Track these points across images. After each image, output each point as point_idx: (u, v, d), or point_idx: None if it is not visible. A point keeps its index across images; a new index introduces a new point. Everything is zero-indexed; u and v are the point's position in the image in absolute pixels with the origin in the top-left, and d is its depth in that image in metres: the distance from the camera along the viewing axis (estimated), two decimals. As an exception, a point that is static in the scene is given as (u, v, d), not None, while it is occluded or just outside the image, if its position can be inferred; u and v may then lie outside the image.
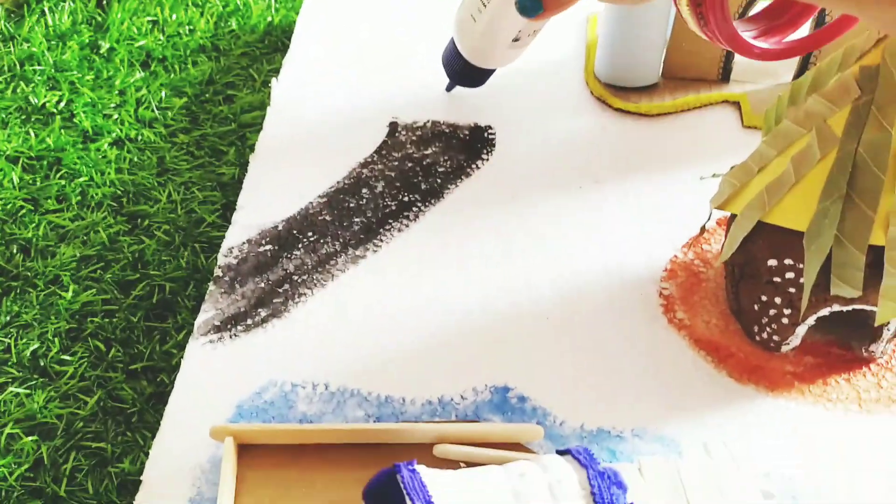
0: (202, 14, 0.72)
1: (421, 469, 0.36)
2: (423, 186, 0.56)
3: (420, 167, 0.58)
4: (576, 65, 0.65)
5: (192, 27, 0.71)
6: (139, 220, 0.57)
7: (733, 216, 0.45)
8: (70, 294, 0.53)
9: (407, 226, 0.54)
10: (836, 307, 0.43)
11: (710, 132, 0.60)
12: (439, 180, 0.57)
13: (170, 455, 0.43)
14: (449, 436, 0.42)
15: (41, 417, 0.47)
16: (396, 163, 0.58)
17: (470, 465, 0.41)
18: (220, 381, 0.46)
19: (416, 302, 0.50)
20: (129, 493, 0.43)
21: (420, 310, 0.49)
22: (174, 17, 0.72)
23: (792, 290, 0.43)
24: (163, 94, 0.65)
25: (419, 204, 0.55)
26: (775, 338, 0.46)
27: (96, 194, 0.58)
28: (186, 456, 0.42)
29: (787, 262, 0.42)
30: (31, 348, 0.50)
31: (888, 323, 0.44)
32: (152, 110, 0.64)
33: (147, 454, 0.43)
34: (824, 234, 0.40)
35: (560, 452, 0.37)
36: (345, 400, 0.45)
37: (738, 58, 0.62)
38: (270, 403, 0.45)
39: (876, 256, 0.40)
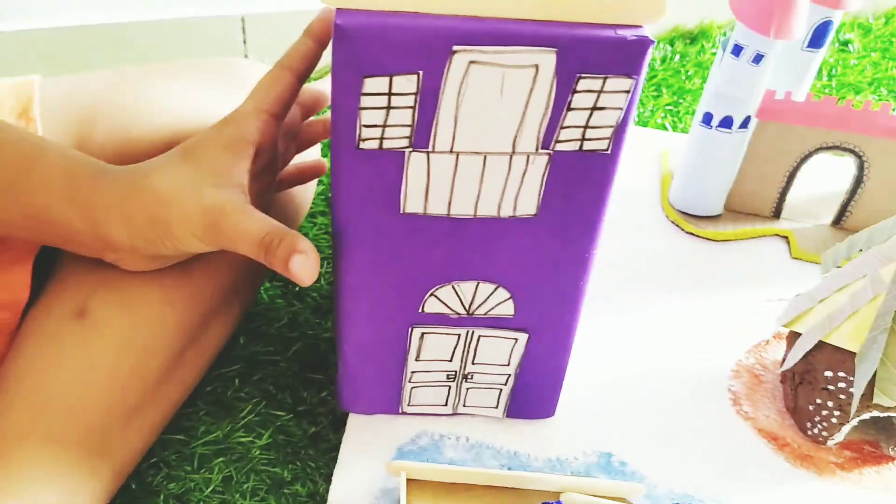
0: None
1: (568, 507, 0.47)
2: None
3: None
4: (652, 194, 0.79)
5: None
6: (291, 286, 0.69)
7: (794, 333, 0.58)
8: (241, 343, 0.64)
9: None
10: (876, 413, 0.55)
11: (764, 259, 0.73)
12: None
13: (347, 484, 0.53)
14: (569, 487, 0.53)
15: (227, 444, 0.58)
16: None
17: (586, 511, 0.52)
18: (385, 427, 0.57)
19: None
20: (307, 511, 0.54)
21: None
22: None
23: (842, 396, 0.55)
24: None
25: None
26: (824, 433, 0.58)
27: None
28: (362, 484, 0.53)
29: (841, 374, 0.55)
30: (208, 388, 0.61)
31: (913, 429, 0.56)
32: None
33: (315, 482, 0.54)
34: (872, 356, 0.53)
35: (669, 505, 0.49)
36: (482, 451, 0.56)
37: (788, 199, 0.76)
38: (424, 449, 0.56)
39: (911, 377, 0.53)
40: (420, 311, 0.49)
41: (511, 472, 0.53)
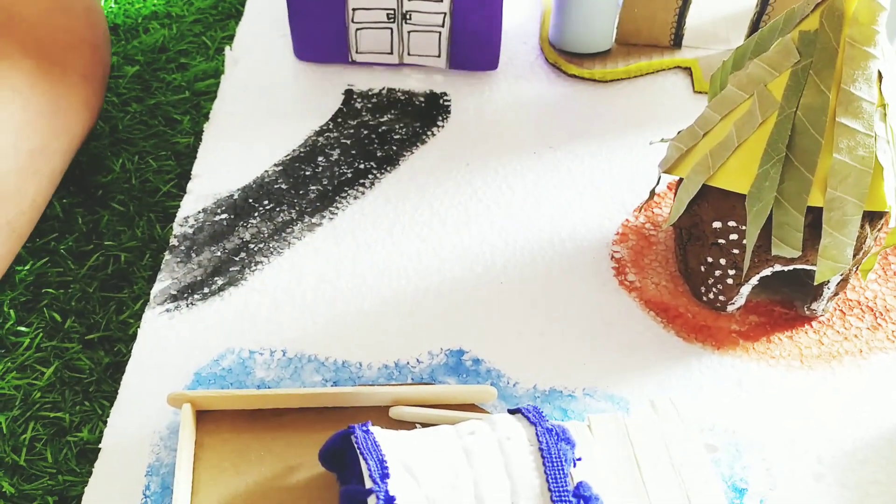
0: (154, -20, 0.71)
1: (375, 429, 0.36)
2: (378, 154, 0.56)
3: (376, 134, 0.58)
4: (531, 31, 0.66)
5: (143, -6, 0.70)
6: (93, 191, 0.57)
7: (681, 180, 0.46)
8: (27, 267, 0.52)
9: (363, 193, 0.54)
10: (778, 267, 0.44)
11: (663, 97, 0.61)
12: (395, 147, 0.57)
13: (128, 423, 0.43)
14: (404, 398, 0.43)
15: (-2, 389, 0.47)
16: (352, 130, 0.58)
17: (425, 426, 0.42)
18: (178, 349, 0.46)
19: (371, 268, 0.50)
20: (89, 462, 0.44)
21: (376, 276, 0.50)
22: (125, -17, 0.71)
23: (736, 251, 0.44)
24: (114, 61, 0.65)
25: (375, 171, 0.56)
26: (721, 298, 0.47)
27: (49, 165, 0.58)
28: (145, 423, 0.43)
29: (731, 223, 0.44)
30: (-14, 320, 0.50)
31: (828, 282, 0.45)
32: (104, 79, 0.63)
33: (105, 423, 0.44)
34: (765, 196, 0.41)
35: (511, 411, 0.38)
36: (302, 365, 0.46)
37: (689, 23, 0.63)
38: (228, 370, 0.45)
39: (814, 217, 0.42)
40: None
41: (326, 390, 0.42)
